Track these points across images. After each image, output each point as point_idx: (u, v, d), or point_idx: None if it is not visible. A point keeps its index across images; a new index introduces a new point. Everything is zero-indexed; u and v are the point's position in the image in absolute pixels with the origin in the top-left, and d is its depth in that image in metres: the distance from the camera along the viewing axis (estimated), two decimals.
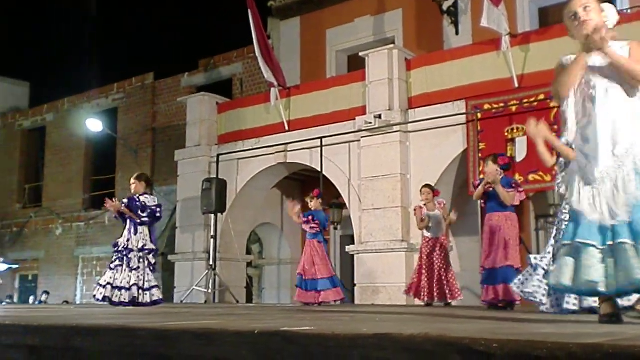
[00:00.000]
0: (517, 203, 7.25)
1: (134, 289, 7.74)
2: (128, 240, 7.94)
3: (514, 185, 7.23)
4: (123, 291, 7.72)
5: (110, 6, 30.61)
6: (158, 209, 8.08)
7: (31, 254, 20.02)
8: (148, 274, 7.86)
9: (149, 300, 7.77)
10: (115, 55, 28.48)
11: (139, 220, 7.96)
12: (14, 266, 19.93)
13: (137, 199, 8.02)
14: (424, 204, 8.72)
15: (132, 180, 8.20)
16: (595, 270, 3.16)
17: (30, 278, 20.33)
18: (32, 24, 33.67)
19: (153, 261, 7.96)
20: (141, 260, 7.87)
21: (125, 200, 8.12)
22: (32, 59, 30.25)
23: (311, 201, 9.31)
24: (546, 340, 1.89)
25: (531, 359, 1.88)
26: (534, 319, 3.96)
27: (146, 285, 7.80)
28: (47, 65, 29.40)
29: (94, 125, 17.04)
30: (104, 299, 7.76)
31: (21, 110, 21.62)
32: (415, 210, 8.93)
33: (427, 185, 8.92)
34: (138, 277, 7.80)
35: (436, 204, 8.65)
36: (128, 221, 8.03)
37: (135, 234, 7.98)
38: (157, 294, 7.90)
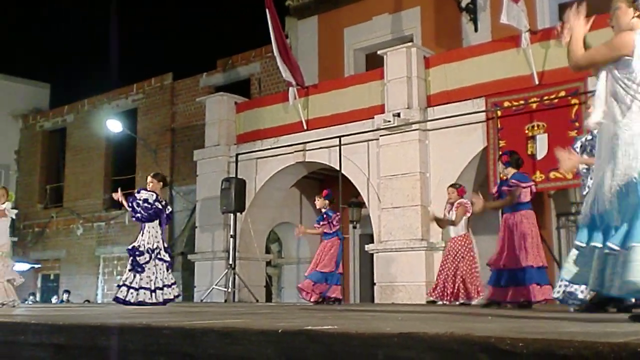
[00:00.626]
0: (527, 199, 7.12)
1: (123, 288, 7.88)
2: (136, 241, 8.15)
3: (512, 184, 7.09)
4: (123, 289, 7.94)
5: (128, 7, 30.82)
6: (147, 204, 8.09)
7: (53, 254, 20.22)
8: (135, 275, 7.91)
9: (132, 300, 7.81)
10: (134, 56, 28.69)
11: (132, 217, 8.18)
12: (36, 266, 20.17)
13: (135, 196, 8.15)
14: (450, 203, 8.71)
15: (149, 179, 8.32)
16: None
17: (52, 277, 20.53)
18: (52, 26, 33.97)
19: (142, 262, 7.95)
20: (131, 260, 8.00)
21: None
22: (52, 60, 30.56)
23: (317, 200, 9.38)
24: (573, 339, 1.88)
25: (557, 357, 1.87)
26: (558, 317, 3.93)
27: (135, 285, 7.87)
28: (67, 66, 29.69)
29: (114, 125, 17.14)
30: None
31: (42, 112, 21.84)
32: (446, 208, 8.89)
33: (452, 185, 8.89)
34: (127, 277, 7.95)
35: (454, 205, 8.58)
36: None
37: (142, 235, 8.11)
38: (141, 296, 7.85)
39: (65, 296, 17.81)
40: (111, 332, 2.70)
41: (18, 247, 18.48)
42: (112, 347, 2.67)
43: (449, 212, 8.60)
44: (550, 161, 9.19)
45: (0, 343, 3.04)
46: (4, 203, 7.90)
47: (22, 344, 2.94)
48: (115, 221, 18.46)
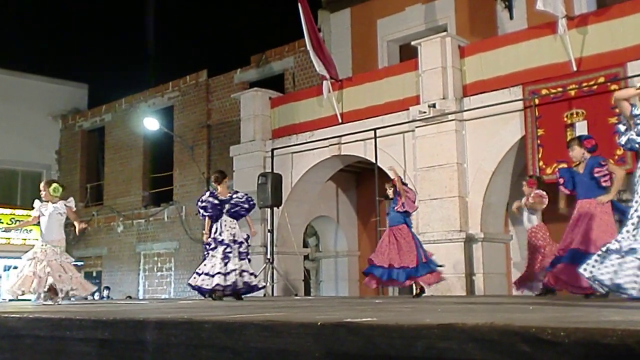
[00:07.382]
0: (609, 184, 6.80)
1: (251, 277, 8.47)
2: (221, 234, 8.43)
3: (603, 163, 6.63)
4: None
5: (162, 6, 31.13)
6: (252, 200, 8.63)
7: (95, 251, 20.60)
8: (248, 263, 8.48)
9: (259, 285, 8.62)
10: (168, 54, 28.99)
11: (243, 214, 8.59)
12: (79, 263, 20.57)
13: (234, 203, 8.42)
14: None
15: (214, 178, 8.73)
16: None
17: (94, 274, 20.91)
18: (88, 27, 34.50)
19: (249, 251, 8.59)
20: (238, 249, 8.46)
21: (213, 200, 8.44)
22: (90, 61, 31.06)
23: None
24: (616, 328, 1.85)
25: (600, 346, 1.84)
26: (600, 306, 3.87)
27: (211, 272, 8.24)
28: (104, 66, 30.16)
29: (151, 124, 17.36)
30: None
31: (80, 112, 22.22)
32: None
33: (531, 176, 8.82)
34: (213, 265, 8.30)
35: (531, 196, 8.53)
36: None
37: (238, 227, 8.53)
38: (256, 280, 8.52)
39: (105, 292, 18.10)
40: (154, 327, 2.74)
41: None
42: (155, 340, 2.71)
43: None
44: None
45: (48, 338, 3.12)
46: (65, 200, 8.19)
47: (68, 339, 3.01)
48: (155, 218, 18.71)
